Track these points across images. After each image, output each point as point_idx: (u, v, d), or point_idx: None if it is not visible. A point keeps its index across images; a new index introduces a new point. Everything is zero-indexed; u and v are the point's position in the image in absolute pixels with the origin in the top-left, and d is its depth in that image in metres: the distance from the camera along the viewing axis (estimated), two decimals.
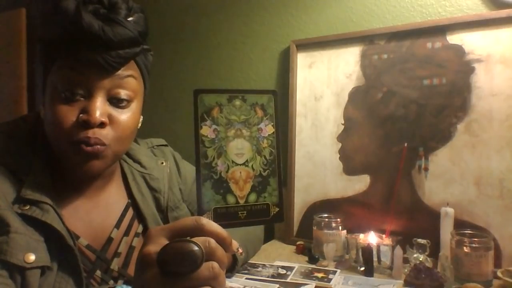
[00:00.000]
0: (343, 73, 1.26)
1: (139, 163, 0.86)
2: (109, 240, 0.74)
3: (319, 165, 1.28)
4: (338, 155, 1.25)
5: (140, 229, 0.80)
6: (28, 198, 0.63)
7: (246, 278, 0.92)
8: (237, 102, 0.48)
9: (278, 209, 0.49)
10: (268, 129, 0.50)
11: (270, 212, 0.48)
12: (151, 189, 0.85)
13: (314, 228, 1.13)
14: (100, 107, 0.65)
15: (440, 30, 1.12)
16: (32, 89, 2.07)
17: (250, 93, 0.49)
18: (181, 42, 1.63)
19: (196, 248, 0.38)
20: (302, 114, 1.32)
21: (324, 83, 1.29)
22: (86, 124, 0.65)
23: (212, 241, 0.40)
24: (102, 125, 0.66)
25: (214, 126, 0.47)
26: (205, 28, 1.58)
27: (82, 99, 0.66)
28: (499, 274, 0.87)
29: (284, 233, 1.30)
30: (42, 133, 0.72)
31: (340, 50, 1.27)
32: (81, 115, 0.65)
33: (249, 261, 1.03)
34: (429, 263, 0.92)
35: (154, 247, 0.40)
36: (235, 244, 0.45)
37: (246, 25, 1.49)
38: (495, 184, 1.03)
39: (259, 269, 0.98)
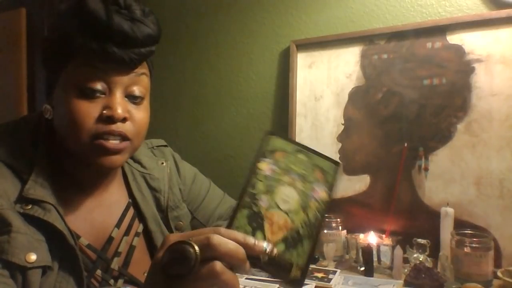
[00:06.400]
0: (343, 73, 1.26)
1: (140, 163, 0.87)
2: (110, 239, 0.74)
3: None
4: (338, 155, 1.25)
5: (140, 228, 0.80)
6: (30, 197, 0.63)
7: (246, 278, 0.92)
8: (302, 156, 0.49)
9: (300, 273, 0.45)
10: (322, 194, 0.49)
11: (290, 273, 0.45)
12: (152, 189, 0.85)
13: None
14: (121, 103, 0.67)
15: (440, 30, 1.12)
16: (32, 89, 2.07)
17: (317, 154, 0.50)
18: (181, 42, 1.63)
19: (189, 248, 0.38)
20: (302, 114, 1.32)
21: (324, 83, 1.29)
22: (109, 119, 0.66)
23: (214, 238, 0.40)
24: (124, 120, 0.67)
25: (272, 166, 0.47)
26: (205, 28, 1.58)
27: (102, 95, 0.67)
28: (499, 274, 0.87)
29: None
30: (44, 132, 0.72)
31: (340, 50, 1.27)
32: (104, 111, 0.66)
33: None
34: (429, 263, 0.92)
35: None
36: (260, 245, 0.42)
37: (246, 25, 1.49)
38: (495, 184, 1.03)
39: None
